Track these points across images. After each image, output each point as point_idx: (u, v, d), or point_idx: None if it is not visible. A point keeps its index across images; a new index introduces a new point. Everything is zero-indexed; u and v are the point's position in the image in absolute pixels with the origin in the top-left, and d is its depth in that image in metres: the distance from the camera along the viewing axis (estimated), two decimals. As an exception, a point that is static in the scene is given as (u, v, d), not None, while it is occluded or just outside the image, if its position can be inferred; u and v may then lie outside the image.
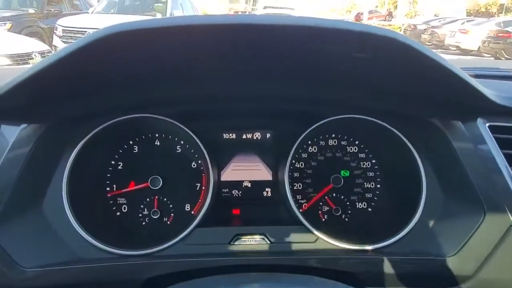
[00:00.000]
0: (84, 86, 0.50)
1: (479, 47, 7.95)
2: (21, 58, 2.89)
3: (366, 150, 0.70)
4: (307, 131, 0.65)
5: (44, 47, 3.35)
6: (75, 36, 4.33)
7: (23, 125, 0.52)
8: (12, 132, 0.51)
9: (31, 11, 5.41)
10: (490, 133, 0.55)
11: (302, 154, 0.70)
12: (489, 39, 7.69)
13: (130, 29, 0.36)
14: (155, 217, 0.65)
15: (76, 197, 0.56)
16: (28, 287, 0.47)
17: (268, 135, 0.71)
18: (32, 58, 2.96)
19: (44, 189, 0.54)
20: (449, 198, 0.58)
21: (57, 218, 0.53)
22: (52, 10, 5.63)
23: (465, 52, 8.32)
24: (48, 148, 0.54)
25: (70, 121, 0.56)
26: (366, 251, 0.56)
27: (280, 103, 0.66)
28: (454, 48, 8.84)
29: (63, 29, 4.59)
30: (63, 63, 0.41)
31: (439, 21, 10.94)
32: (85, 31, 4.23)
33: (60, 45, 4.36)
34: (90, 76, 0.47)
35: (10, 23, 4.87)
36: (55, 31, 4.72)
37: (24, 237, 0.49)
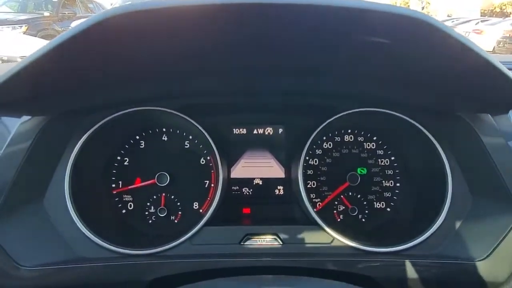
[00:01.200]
0: (86, 77, 0.48)
1: (494, 47, 7.77)
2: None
3: (385, 147, 0.66)
4: (322, 125, 0.61)
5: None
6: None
7: (25, 117, 0.50)
8: (13, 124, 0.49)
9: (46, 14, 5.52)
10: (524, 127, 0.51)
11: (316, 151, 0.67)
12: (504, 39, 7.50)
13: (130, 11, 0.33)
14: (162, 215, 0.63)
15: (79, 193, 0.53)
16: (27, 286, 0.44)
17: (280, 130, 0.68)
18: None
19: (45, 184, 0.51)
20: (477, 197, 0.53)
21: (58, 215, 0.50)
22: (67, 13, 5.73)
23: (480, 52, 8.13)
24: (50, 141, 0.51)
25: (74, 113, 0.54)
26: (386, 253, 0.52)
27: (293, 97, 0.63)
28: (469, 49, 8.64)
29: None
30: (58, 51, 0.38)
31: (453, 22, 10.73)
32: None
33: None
34: (91, 66, 0.45)
35: (26, 26, 4.97)
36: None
37: (24, 235, 0.47)
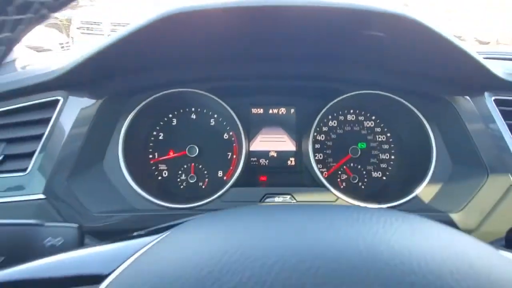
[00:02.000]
0: (140, 63, 0.59)
1: None
2: (42, 50, 3.01)
3: (382, 125, 0.77)
4: (328, 106, 0.72)
5: (64, 39, 3.49)
6: (92, 27, 4.47)
7: (86, 98, 0.61)
8: (78, 104, 0.60)
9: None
10: (496, 106, 0.61)
11: (323, 128, 0.78)
12: None
13: (189, 11, 0.44)
14: (192, 181, 0.74)
15: (128, 159, 0.65)
16: (95, 227, 0.56)
17: (292, 111, 0.79)
18: (51, 50, 3.08)
19: (103, 151, 0.63)
20: (456, 164, 0.65)
21: (115, 175, 0.62)
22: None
23: None
24: (106, 117, 0.62)
25: (123, 94, 0.65)
26: (381, 208, 0.64)
27: (303, 81, 0.73)
28: None
29: (81, 21, 4.74)
30: (125, 41, 0.49)
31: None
32: (101, 23, 4.38)
33: (78, 37, 4.51)
34: (147, 54, 0.56)
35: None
36: (72, 22, 4.86)
37: (91, 189, 0.58)
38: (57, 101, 0.57)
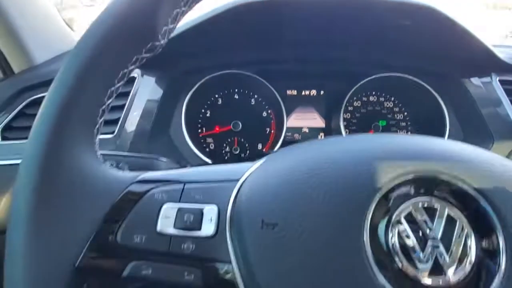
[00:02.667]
0: (205, 46, 0.70)
1: None
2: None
3: (400, 105, 0.89)
4: (354, 88, 0.84)
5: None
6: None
7: (156, 77, 0.72)
8: (150, 81, 0.71)
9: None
10: (500, 85, 0.73)
11: (349, 107, 0.89)
12: None
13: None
14: (236, 153, 0.86)
15: (188, 128, 0.76)
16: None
17: (322, 92, 0.90)
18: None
19: (170, 120, 0.74)
20: (467, 135, 0.76)
21: (179, 140, 0.74)
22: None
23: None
24: (171, 93, 0.73)
25: (184, 74, 0.76)
26: None
27: (332, 66, 0.85)
28: None
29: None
30: (198, 27, 0.61)
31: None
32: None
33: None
34: (213, 38, 0.67)
35: None
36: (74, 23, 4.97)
37: (162, 149, 0.70)
38: (134, 78, 0.69)
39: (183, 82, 0.76)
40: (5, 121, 0.61)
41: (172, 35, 0.65)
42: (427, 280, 0.25)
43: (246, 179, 0.32)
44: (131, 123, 0.65)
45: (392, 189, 0.27)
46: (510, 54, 0.73)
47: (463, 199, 0.27)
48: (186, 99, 0.76)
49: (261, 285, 0.26)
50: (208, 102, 0.86)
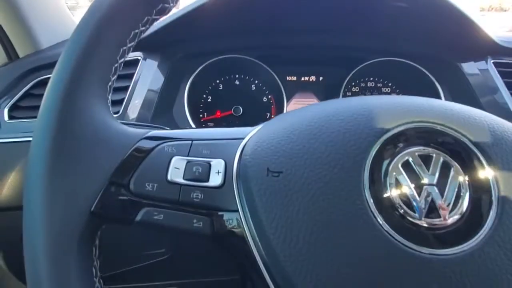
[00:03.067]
0: (206, 30, 0.72)
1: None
2: None
3: (397, 90, 0.90)
4: (351, 73, 0.85)
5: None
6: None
7: (159, 60, 0.74)
8: (153, 63, 0.72)
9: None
10: (494, 67, 0.74)
11: (347, 93, 0.91)
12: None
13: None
14: (237, 137, 0.87)
15: (190, 110, 0.78)
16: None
17: (321, 78, 0.92)
18: None
19: (172, 103, 0.76)
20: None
21: (180, 121, 0.75)
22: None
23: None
24: (174, 76, 0.75)
25: (186, 58, 0.77)
26: None
27: (330, 52, 0.86)
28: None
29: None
30: (198, 10, 0.62)
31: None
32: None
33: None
34: (214, 22, 0.69)
35: None
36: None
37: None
38: (138, 60, 0.70)
39: (185, 66, 0.78)
40: (12, 101, 0.63)
41: (174, 18, 0.67)
42: (424, 222, 0.27)
43: (251, 137, 0.33)
44: (135, 105, 0.67)
45: (390, 139, 0.29)
46: (505, 38, 0.75)
47: (457, 149, 0.29)
48: (188, 83, 0.78)
49: (267, 231, 0.28)
50: (210, 87, 0.88)
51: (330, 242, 0.26)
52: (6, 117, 0.62)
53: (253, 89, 0.89)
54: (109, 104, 0.32)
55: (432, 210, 0.27)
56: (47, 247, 0.25)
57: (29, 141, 0.61)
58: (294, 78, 0.92)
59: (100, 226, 0.29)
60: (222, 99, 0.88)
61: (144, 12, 0.32)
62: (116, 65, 0.31)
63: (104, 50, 0.30)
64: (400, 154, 0.29)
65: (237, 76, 0.89)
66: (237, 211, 0.29)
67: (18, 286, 0.74)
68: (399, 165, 0.29)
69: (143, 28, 0.32)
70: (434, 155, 0.29)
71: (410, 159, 0.29)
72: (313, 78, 0.92)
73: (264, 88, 0.89)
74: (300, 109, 0.35)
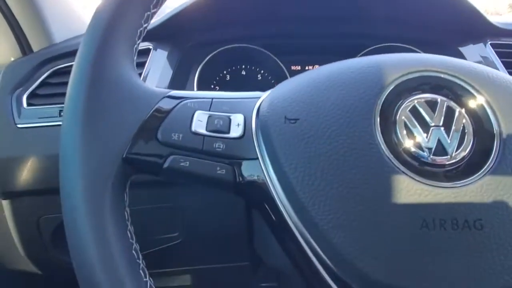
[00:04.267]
0: (212, 20, 0.75)
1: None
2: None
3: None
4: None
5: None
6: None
7: (169, 49, 0.76)
8: (163, 53, 0.75)
9: None
10: (492, 49, 0.77)
11: (350, 81, 0.93)
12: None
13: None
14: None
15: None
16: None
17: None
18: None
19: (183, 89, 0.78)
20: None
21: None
22: None
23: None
24: (183, 65, 0.78)
25: (195, 47, 0.80)
26: None
27: (333, 40, 0.89)
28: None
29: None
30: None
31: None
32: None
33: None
34: (220, 12, 0.72)
35: None
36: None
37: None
38: (149, 49, 0.73)
39: (194, 55, 0.80)
40: (29, 89, 0.65)
41: (183, 8, 0.70)
42: (432, 160, 0.29)
43: (267, 95, 0.36)
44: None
45: (399, 86, 0.31)
46: (502, 20, 0.78)
47: (461, 94, 0.31)
48: (197, 72, 0.81)
49: (286, 173, 0.30)
50: (217, 78, 0.90)
51: (345, 178, 0.28)
52: (25, 105, 0.64)
53: (259, 79, 0.92)
54: (135, 65, 0.34)
55: (439, 149, 0.30)
56: (83, 188, 0.27)
57: (47, 126, 0.63)
58: (299, 68, 0.95)
59: (131, 174, 0.31)
60: (229, 89, 0.90)
61: None
62: (141, 29, 0.34)
63: (131, 14, 0.32)
64: (408, 100, 0.31)
65: (243, 66, 0.92)
66: (257, 158, 0.31)
67: (34, 272, 0.75)
68: (407, 110, 0.31)
69: None
70: (439, 100, 0.31)
71: (418, 104, 0.31)
72: (317, 66, 0.95)
73: (270, 77, 0.91)
74: (313, 69, 0.38)
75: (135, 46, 0.34)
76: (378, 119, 0.30)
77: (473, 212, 0.27)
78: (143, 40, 0.74)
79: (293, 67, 0.95)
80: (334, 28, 0.85)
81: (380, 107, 0.30)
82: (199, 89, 0.81)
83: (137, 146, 0.31)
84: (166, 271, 0.80)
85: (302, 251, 0.29)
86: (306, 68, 0.95)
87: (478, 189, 0.28)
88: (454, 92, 0.32)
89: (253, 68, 0.93)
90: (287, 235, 0.29)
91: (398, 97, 0.31)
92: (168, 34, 0.74)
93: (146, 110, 0.32)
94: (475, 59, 0.77)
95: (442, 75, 0.32)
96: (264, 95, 0.36)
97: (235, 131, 0.32)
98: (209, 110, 0.33)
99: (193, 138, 0.32)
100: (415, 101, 0.31)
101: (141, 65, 0.71)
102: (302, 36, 0.87)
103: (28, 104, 0.65)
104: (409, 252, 0.27)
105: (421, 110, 0.31)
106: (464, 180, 0.28)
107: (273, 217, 0.31)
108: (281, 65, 0.86)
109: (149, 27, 0.73)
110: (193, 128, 0.32)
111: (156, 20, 0.71)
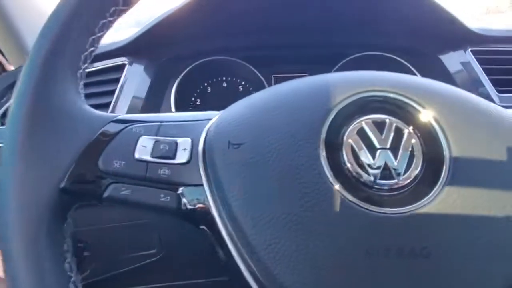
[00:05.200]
0: (189, 32, 0.74)
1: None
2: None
3: (382, 85, 0.92)
4: (334, 69, 0.87)
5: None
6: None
7: (144, 64, 0.76)
8: (139, 67, 0.75)
9: None
10: (472, 56, 0.76)
11: (333, 90, 0.92)
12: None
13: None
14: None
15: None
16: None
17: (306, 75, 0.94)
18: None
19: (160, 106, 0.78)
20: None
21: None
22: None
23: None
24: (160, 79, 0.77)
25: (172, 61, 0.80)
26: None
27: (314, 49, 0.88)
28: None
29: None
30: (180, 12, 0.65)
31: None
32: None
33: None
34: (196, 24, 0.72)
35: None
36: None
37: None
38: (124, 64, 0.73)
39: (170, 69, 0.80)
40: (3, 107, 0.65)
41: (158, 21, 0.70)
42: (378, 184, 0.28)
43: (217, 117, 0.35)
44: (122, 108, 0.69)
45: (345, 108, 0.30)
46: (481, 27, 0.77)
47: (409, 114, 0.30)
48: (174, 86, 0.80)
49: (229, 200, 0.29)
50: (198, 91, 0.90)
51: (288, 206, 0.27)
52: (-2, 124, 0.64)
53: (240, 90, 0.91)
54: (81, 91, 0.34)
55: (387, 173, 0.29)
56: (18, 220, 0.27)
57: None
58: (280, 78, 0.94)
59: (71, 204, 0.31)
60: (211, 102, 0.90)
61: (110, 3, 0.34)
62: (86, 53, 0.33)
63: (73, 42, 0.32)
64: (356, 122, 0.30)
65: (224, 78, 0.91)
66: (202, 185, 0.31)
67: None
68: (355, 132, 0.30)
69: (111, 19, 0.34)
70: (388, 121, 0.30)
71: (365, 126, 0.30)
72: (298, 76, 0.94)
73: (251, 89, 0.91)
74: (264, 90, 0.37)
75: (80, 71, 0.33)
76: (324, 143, 0.29)
77: (420, 239, 0.26)
78: (118, 56, 0.75)
79: (274, 77, 0.94)
80: (313, 38, 0.84)
81: (326, 130, 0.29)
82: (177, 103, 0.81)
83: (77, 175, 0.30)
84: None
85: (243, 280, 0.28)
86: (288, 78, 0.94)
87: (425, 215, 0.27)
88: (403, 111, 0.31)
89: (233, 79, 0.92)
90: (230, 262, 0.28)
91: (345, 119, 0.30)
92: (144, 48, 0.74)
93: (89, 136, 0.31)
94: (456, 67, 0.77)
95: (390, 95, 0.31)
96: (214, 118, 0.35)
97: (181, 156, 0.32)
98: (156, 135, 0.33)
99: (136, 165, 0.31)
100: (363, 122, 0.30)
101: (115, 81, 0.71)
102: (281, 46, 0.86)
103: (2, 124, 0.65)
104: (354, 281, 0.26)
105: (368, 131, 0.30)
106: (411, 206, 0.27)
107: (217, 243, 0.30)
108: (260, 76, 0.86)
109: (124, 42, 0.74)
110: (137, 155, 0.31)
111: (131, 34, 0.71)
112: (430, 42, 0.79)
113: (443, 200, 0.27)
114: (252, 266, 0.27)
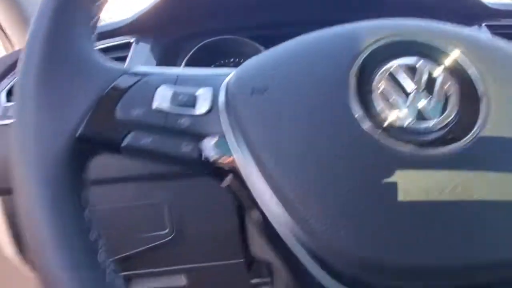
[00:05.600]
0: (196, 11, 0.73)
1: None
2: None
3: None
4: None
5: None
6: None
7: (151, 42, 0.75)
8: (146, 46, 0.73)
9: None
10: (487, 30, 0.74)
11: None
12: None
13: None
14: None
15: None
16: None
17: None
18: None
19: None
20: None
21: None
22: None
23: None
24: (167, 58, 0.76)
25: (179, 40, 0.78)
26: None
27: (320, 27, 0.87)
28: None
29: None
30: None
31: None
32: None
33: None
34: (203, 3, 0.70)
35: None
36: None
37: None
38: (130, 43, 0.71)
39: (177, 49, 0.78)
40: (9, 85, 0.64)
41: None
42: (413, 127, 0.27)
43: (238, 68, 0.33)
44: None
45: (376, 51, 0.29)
46: (498, 2, 0.76)
47: (442, 57, 0.29)
48: (182, 66, 0.78)
49: (255, 145, 0.27)
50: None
51: (317, 149, 0.26)
52: (4, 101, 0.62)
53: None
54: (94, 40, 0.32)
55: (421, 115, 0.27)
56: (35, 166, 0.25)
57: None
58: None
59: (88, 155, 0.29)
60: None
61: None
62: (97, 3, 0.32)
63: None
64: (386, 65, 0.29)
65: (231, 60, 0.89)
66: (224, 135, 0.29)
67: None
68: (386, 75, 0.28)
69: None
70: (419, 64, 0.28)
71: (396, 70, 0.28)
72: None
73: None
74: (282, 43, 0.35)
75: (94, 20, 0.32)
76: (353, 88, 0.28)
77: (461, 178, 0.25)
78: (124, 34, 0.73)
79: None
80: (323, 16, 0.83)
81: (354, 75, 0.28)
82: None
83: (94, 123, 0.28)
84: (159, 271, 0.78)
85: (276, 234, 0.26)
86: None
87: (465, 155, 0.25)
88: (434, 54, 0.29)
89: (242, 61, 0.90)
90: (256, 214, 0.27)
91: (373, 64, 0.29)
92: (151, 26, 0.73)
93: (104, 86, 0.30)
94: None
95: (421, 38, 0.29)
96: (234, 71, 0.33)
97: (202, 106, 0.30)
98: (175, 84, 0.31)
99: (155, 114, 0.29)
100: (393, 67, 0.29)
101: (122, 59, 0.69)
102: (290, 24, 0.84)
103: (9, 101, 0.63)
104: (394, 224, 0.24)
105: (399, 76, 0.28)
106: (450, 146, 0.26)
107: (243, 192, 0.29)
108: None
109: (130, 19, 0.72)
110: (155, 104, 0.30)
111: (137, 12, 0.69)
112: (444, 17, 0.76)
113: (483, 140, 0.26)
114: (282, 216, 0.26)
